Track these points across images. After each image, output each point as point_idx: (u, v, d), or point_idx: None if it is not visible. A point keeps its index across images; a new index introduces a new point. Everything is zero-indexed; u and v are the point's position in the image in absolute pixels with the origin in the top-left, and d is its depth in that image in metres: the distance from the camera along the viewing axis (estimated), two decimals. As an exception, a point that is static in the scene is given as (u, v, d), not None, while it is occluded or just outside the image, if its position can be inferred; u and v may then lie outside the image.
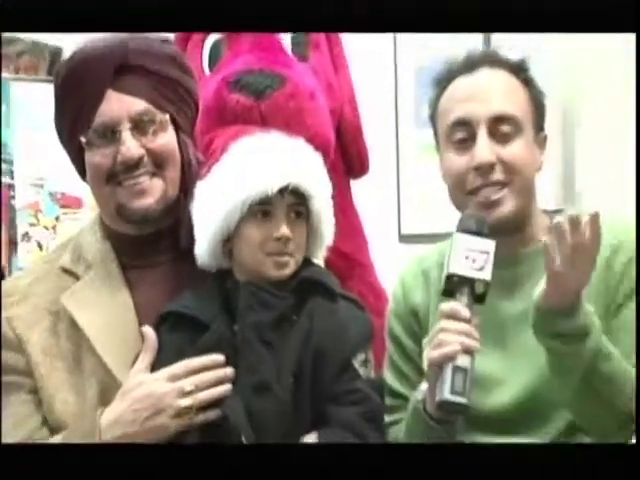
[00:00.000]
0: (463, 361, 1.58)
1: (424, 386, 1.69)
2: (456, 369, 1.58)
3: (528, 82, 1.81)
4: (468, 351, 1.59)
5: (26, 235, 2.74)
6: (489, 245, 1.64)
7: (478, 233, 1.65)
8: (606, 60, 2.70)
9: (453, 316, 1.61)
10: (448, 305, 1.63)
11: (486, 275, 1.63)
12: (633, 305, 1.67)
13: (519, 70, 1.81)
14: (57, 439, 1.74)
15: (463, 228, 1.66)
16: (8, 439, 1.76)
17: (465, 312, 1.61)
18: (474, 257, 1.64)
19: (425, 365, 1.67)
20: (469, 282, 1.63)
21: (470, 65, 1.81)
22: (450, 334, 1.59)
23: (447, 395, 1.58)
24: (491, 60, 1.82)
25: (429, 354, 1.63)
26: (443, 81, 1.82)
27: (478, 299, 1.64)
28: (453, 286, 1.64)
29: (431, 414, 1.68)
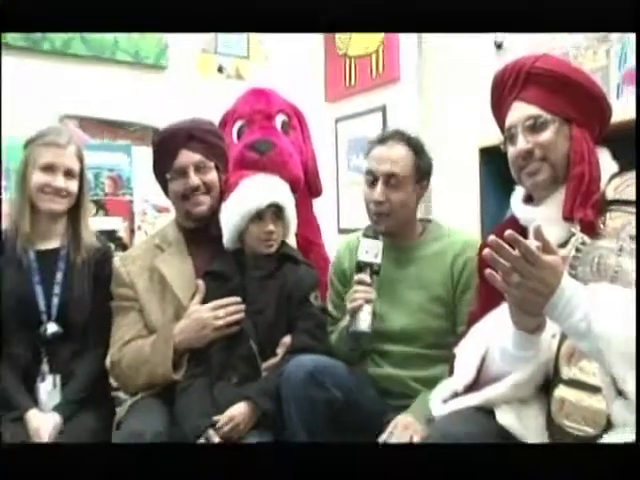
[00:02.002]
0: (367, 307, 1.55)
1: (347, 318, 1.63)
2: (362, 312, 1.55)
3: (417, 152, 1.66)
4: (369, 301, 1.56)
5: (139, 227, 2.70)
6: (379, 244, 1.61)
7: (373, 237, 1.62)
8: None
9: (361, 282, 1.58)
10: (358, 276, 1.60)
11: (378, 260, 1.60)
12: (468, 296, 1.57)
13: (412, 144, 1.66)
14: (151, 339, 1.67)
15: (364, 234, 1.63)
16: (126, 336, 1.69)
17: (368, 280, 1.58)
18: (371, 251, 1.60)
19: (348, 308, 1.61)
20: (369, 264, 1.60)
21: (384, 138, 1.67)
22: (358, 293, 1.57)
23: (355, 328, 1.56)
24: (398, 136, 1.67)
25: (348, 305, 1.59)
26: (373, 143, 1.69)
27: (376, 273, 1.60)
28: (361, 267, 1.61)
29: (349, 334, 1.62)
